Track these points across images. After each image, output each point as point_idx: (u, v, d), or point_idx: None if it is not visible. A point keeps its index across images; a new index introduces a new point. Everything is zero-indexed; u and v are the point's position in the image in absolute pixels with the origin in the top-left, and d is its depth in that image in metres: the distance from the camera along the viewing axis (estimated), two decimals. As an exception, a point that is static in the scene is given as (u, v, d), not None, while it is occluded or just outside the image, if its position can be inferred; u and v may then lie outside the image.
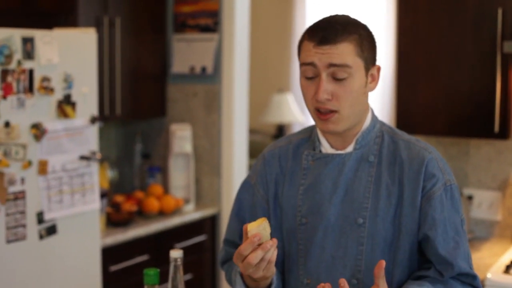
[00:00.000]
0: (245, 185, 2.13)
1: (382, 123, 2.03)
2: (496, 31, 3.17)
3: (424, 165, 1.90)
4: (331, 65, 1.82)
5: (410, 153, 1.93)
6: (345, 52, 1.83)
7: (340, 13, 1.94)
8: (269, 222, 2.03)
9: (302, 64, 1.89)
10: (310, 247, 1.96)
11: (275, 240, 1.73)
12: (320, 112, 1.87)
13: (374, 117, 2.01)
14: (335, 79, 1.84)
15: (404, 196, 1.90)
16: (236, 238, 2.12)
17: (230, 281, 2.06)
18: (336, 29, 1.83)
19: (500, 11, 3.15)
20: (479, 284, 1.92)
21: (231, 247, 2.13)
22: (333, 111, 1.86)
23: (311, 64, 1.85)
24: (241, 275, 1.91)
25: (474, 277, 1.91)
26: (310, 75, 1.87)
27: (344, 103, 1.85)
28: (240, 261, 1.74)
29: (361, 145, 1.96)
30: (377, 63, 1.96)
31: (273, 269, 1.81)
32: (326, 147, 1.99)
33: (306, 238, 1.97)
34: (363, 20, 1.95)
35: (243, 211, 2.11)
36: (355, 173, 1.95)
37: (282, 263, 2.05)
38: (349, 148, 1.97)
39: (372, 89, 1.94)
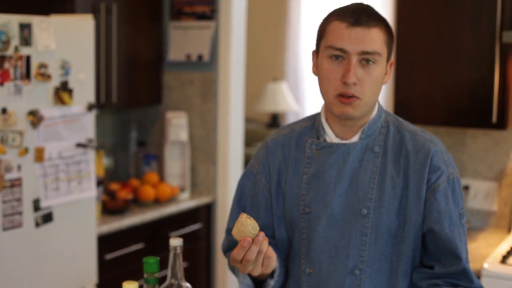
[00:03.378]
0: (247, 173, 2.12)
1: (388, 113, 2.03)
2: (495, 21, 3.17)
3: (429, 158, 1.91)
4: (363, 52, 1.83)
5: (415, 145, 1.93)
6: (377, 38, 1.84)
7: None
8: (272, 211, 2.04)
9: (329, 47, 1.87)
10: (313, 236, 1.96)
11: (262, 233, 1.74)
12: (342, 96, 1.86)
13: (380, 107, 2.01)
14: (363, 64, 1.84)
15: (409, 188, 1.91)
16: None
17: (233, 269, 2.06)
18: (369, 13, 1.85)
19: (499, 1, 3.15)
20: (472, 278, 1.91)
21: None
22: (355, 97, 1.86)
23: (341, 50, 1.84)
24: None
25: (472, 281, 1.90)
26: (337, 54, 1.85)
27: (368, 90, 1.86)
28: (238, 263, 1.76)
29: (366, 135, 1.96)
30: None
31: (273, 264, 1.82)
32: (330, 136, 1.98)
33: (309, 227, 1.97)
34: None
35: (245, 199, 2.11)
36: (360, 163, 1.94)
37: (286, 251, 2.05)
38: (355, 138, 1.96)
39: (385, 82, 1.94)
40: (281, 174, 2.04)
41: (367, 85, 1.85)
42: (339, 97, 1.86)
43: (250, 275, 1.93)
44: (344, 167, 1.94)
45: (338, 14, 1.87)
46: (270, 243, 2.00)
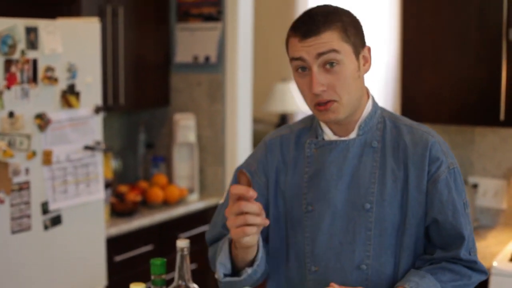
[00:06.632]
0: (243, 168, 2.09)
1: (383, 109, 2.04)
2: (502, 18, 3.16)
3: (428, 149, 1.92)
4: (319, 54, 1.83)
5: (413, 138, 1.95)
6: (329, 40, 1.83)
7: (321, 3, 1.95)
8: (268, 210, 2.04)
9: (291, 59, 1.90)
10: (318, 234, 1.96)
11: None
12: (319, 105, 1.88)
13: (375, 104, 2.02)
14: (326, 69, 1.85)
15: (410, 181, 1.92)
16: None
17: (213, 256, 2.05)
18: (317, 21, 1.85)
19: (505, -2, 3.14)
20: (482, 267, 1.96)
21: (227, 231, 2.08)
22: (331, 101, 1.87)
23: (300, 59, 1.86)
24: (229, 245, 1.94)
25: (475, 262, 1.94)
26: (302, 66, 1.87)
27: (341, 91, 1.86)
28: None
29: (364, 131, 1.97)
30: (368, 44, 1.96)
31: (256, 239, 1.85)
32: (329, 135, 1.99)
33: (313, 226, 1.97)
34: (346, 7, 1.95)
35: None
36: (359, 159, 1.96)
37: (284, 252, 2.05)
38: (352, 135, 1.97)
39: (366, 70, 1.95)
40: (279, 173, 2.05)
41: (338, 87, 1.85)
42: (316, 106, 1.88)
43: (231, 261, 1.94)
44: (344, 164, 1.95)
45: (292, 29, 1.89)
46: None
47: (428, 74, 3.38)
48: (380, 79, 5.78)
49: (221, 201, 2.13)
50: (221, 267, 1.92)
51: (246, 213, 1.77)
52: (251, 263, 1.93)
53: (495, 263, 2.94)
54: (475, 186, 3.56)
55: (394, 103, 5.76)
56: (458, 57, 3.30)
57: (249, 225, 1.77)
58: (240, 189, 1.76)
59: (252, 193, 1.76)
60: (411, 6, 3.41)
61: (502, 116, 3.19)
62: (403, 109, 3.43)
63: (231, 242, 1.94)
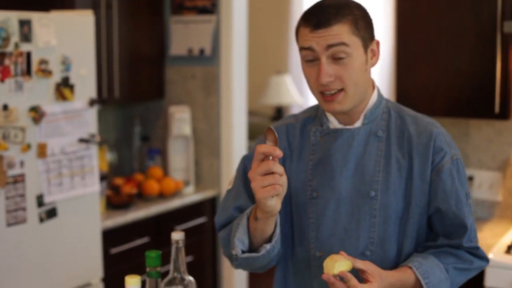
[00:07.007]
0: (249, 156, 2.08)
1: (388, 100, 2.07)
2: (496, 11, 3.16)
3: (432, 139, 1.95)
4: (329, 46, 1.86)
5: (417, 128, 1.98)
6: (340, 32, 1.86)
7: None
8: None
9: (301, 49, 1.93)
10: (322, 220, 1.98)
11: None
12: (325, 94, 1.91)
13: (380, 94, 2.04)
14: (335, 60, 1.87)
15: (414, 169, 1.95)
16: (250, 205, 2.05)
17: (227, 237, 2.03)
18: (329, 13, 1.87)
19: (500, -9, 3.14)
20: (483, 253, 2.01)
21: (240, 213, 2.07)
22: (338, 90, 1.89)
23: (309, 48, 1.89)
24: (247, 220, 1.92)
25: (477, 248, 2.00)
26: (310, 58, 1.90)
27: (348, 82, 1.89)
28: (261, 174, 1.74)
29: (369, 120, 1.99)
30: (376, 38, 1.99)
31: (279, 205, 1.81)
32: (334, 123, 2.02)
33: (318, 212, 1.99)
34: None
35: None
36: (364, 147, 1.98)
37: (291, 237, 2.06)
38: (358, 123, 2.00)
39: (374, 64, 1.98)
40: (286, 160, 2.05)
41: (346, 78, 1.88)
42: (322, 95, 1.91)
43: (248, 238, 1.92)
44: (349, 151, 1.98)
45: (303, 19, 1.92)
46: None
47: (423, 67, 3.38)
48: (375, 73, 5.78)
49: (229, 186, 2.13)
50: (239, 243, 1.92)
51: (273, 173, 1.74)
52: (268, 239, 1.92)
53: (491, 255, 2.94)
54: (470, 178, 3.56)
55: (389, 96, 5.77)
56: (453, 50, 3.30)
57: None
58: (267, 147, 1.75)
59: (279, 152, 1.74)
60: (406, 0, 3.40)
61: (497, 108, 3.20)
62: (398, 102, 3.42)
63: (248, 218, 1.93)
